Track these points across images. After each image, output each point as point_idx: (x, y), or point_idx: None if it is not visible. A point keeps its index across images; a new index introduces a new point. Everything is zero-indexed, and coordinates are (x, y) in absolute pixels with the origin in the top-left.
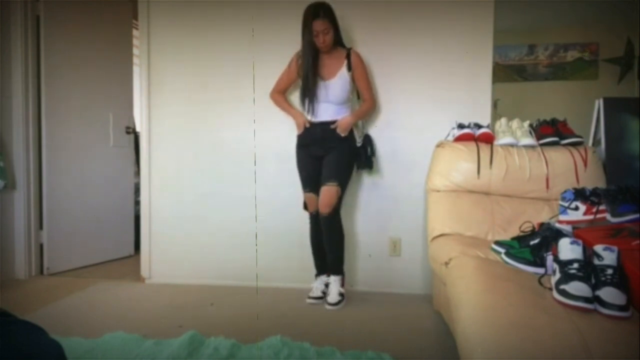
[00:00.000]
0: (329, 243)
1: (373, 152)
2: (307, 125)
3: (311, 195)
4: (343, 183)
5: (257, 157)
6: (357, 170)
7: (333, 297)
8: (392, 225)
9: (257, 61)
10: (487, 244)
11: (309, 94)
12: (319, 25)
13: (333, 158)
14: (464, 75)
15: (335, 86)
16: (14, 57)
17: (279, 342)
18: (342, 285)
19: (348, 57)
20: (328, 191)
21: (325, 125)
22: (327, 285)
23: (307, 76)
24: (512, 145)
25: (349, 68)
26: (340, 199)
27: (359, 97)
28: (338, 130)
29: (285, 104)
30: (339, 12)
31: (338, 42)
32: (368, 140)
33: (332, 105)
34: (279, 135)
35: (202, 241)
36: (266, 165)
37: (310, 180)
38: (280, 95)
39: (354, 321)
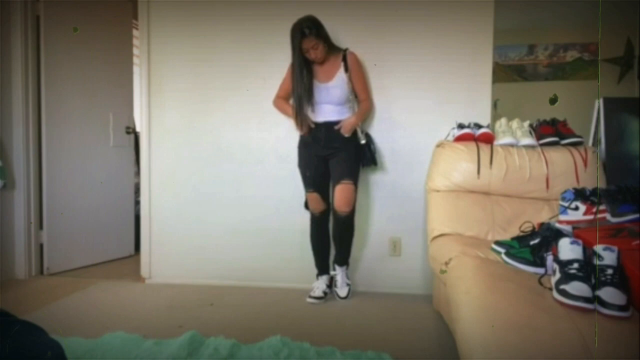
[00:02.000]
0: (342, 239)
1: (375, 149)
2: (312, 125)
3: (315, 195)
4: (356, 181)
5: (257, 157)
6: (362, 168)
7: (343, 290)
8: (392, 225)
9: (258, 61)
10: (487, 244)
11: (309, 97)
12: (307, 43)
13: (343, 157)
14: (464, 75)
15: (335, 88)
16: (14, 57)
17: (279, 342)
18: (347, 276)
19: (345, 58)
20: (346, 189)
21: (329, 126)
22: (331, 279)
23: (301, 90)
24: (512, 145)
25: (346, 69)
26: (354, 195)
27: (356, 97)
28: (342, 131)
29: (289, 107)
30: (338, 12)
31: (331, 48)
32: (369, 138)
33: (333, 106)
34: (279, 135)
35: (202, 241)
36: (266, 165)
37: (314, 180)
38: (283, 100)
39: (354, 321)
